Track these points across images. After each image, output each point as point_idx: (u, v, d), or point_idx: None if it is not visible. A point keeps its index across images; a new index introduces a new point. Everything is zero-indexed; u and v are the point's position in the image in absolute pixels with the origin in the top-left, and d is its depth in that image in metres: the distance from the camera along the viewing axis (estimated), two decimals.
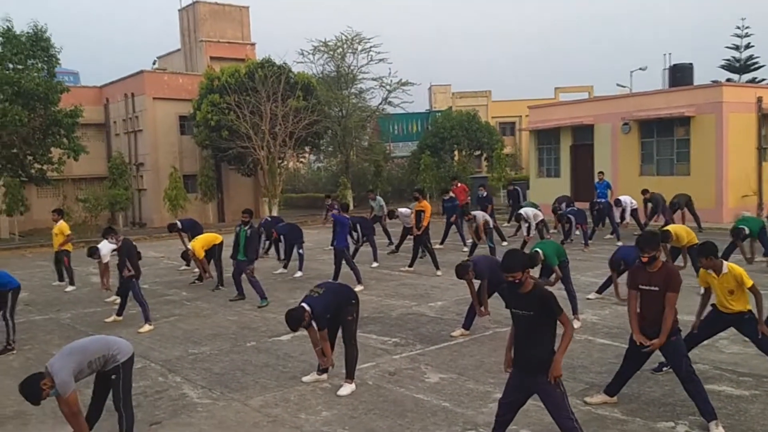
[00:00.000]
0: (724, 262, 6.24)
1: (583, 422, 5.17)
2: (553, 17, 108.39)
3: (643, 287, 5.67)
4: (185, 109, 29.15)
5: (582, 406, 6.03)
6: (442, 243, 17.01)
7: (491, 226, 15.19)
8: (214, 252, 12.88)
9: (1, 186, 23.57)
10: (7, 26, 21.67)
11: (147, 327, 9.64)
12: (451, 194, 18.07)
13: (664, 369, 6.61)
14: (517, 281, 4.72)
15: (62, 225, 13.84)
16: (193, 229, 15.11)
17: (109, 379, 5.35)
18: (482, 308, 8.44)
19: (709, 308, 6.50)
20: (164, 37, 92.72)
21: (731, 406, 5.93)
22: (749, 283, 6.16)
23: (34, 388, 4.97)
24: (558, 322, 4.78)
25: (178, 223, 15.26)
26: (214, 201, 29.32)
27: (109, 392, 5.44)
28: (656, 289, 5.58)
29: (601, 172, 20.45)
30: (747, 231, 11.70)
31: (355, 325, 6.83)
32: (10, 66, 21.58)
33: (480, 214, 14.66)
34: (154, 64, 34.01)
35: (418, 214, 14.11)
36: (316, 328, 6.54)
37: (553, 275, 9.02)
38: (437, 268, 13.46)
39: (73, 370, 5.08)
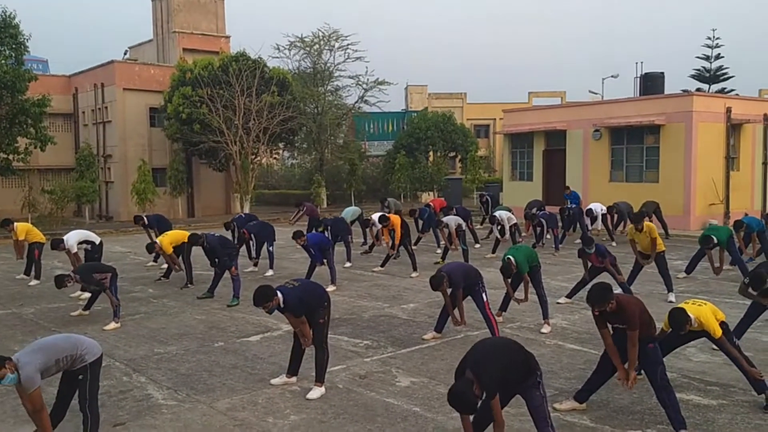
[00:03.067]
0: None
1: None
2: (527, 23, 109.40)
3: (611, 325, 5.86)
4: (156, 101, 28.63)
5: (551, 413, 6.02)
6: (415, 244, 16.97)
7: (463, 229, 15.20)
8: (182, 249, 12.64)
9: None
10: None
11: (113, 324, 9.40)
12: (430, 209, 17.98)
13: (641, 374, 6.63)
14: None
15: (20, 228, 13.11)
16: (159, 224, 14.86)
17: (76, 379, 5.23)
18: (459, 318, 8.39)
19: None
20: (136, 27, 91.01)
21: (699, 416, 5.99)
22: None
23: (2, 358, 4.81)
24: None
25: (144, 218, 14.98)
26: (183, 195, 28.84)
27: (75, 392, 5.31)
28: (623, 326, 5.75)
29: (567, 187, 20.73)
30: (715, 240, 11.88)
31: (326, 328, 6.73)
32: None
33: (452, 219, 14.66)
34: (125, 54, 33.35)
35: (390, 232, 13.94)
36: (292, 315, 6.39)
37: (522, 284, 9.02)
38: (414, 269, 13.41)
39: (39, 367, 4.92)
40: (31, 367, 4.86)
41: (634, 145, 22.04)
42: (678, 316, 5.96)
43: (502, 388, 4.68)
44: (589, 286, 6.78)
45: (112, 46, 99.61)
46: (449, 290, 8.26)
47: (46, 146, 23.14)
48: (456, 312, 8.34)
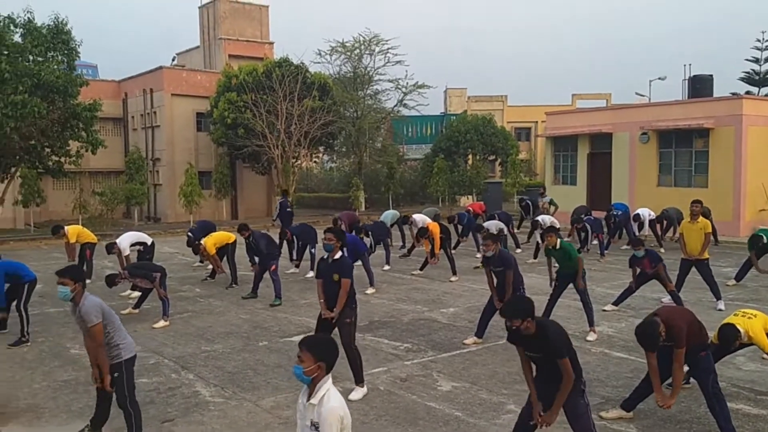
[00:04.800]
0: None
1: None
2: (572, 24, 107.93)
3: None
4: (202, 106, 29.29)
5: (597, 421, 5.93)
6: (454, 249, 16.93)
7: (505, 233, 15.11)
8: (227, 250, 12.90)
9: (18, 177, 23.75)
10: (29, 18, 21.84)
11: (162, 322, 9.68)
12: (468, 214, 17.86)
13: (689, 383, 6.49)
14: (514, 328, 4.64)
15: (71, 232, 13.46)
16: (204, 233, 15.12)
17: (112, 376, 5.36)
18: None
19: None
20: (184, 33, 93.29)
21: (749, 425, 5.84)
22: None
23: (77, 271, 5.43)
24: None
25: (189, 235, 14.97)
26: (227, 198, 29.41)
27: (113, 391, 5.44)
28: (670, 343, 5.51)
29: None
30: (765, 239, 11.54)
31: (354, 328, 6.77)
32: (30, 58, 21.72)
33: (493, 224, 14.58)
34: (173, 60, 34.23)
35: (429, 239, 13.77)
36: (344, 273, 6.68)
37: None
38: (454, 273, 13.38)
39: (99, 310, 5.30)
40: (93, 304, 5.28)
41: (682, 148, 21.54)
42: (727, 332, 5.83)
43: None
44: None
45: (160, 53, 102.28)
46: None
47: (97, 149, 23.81)
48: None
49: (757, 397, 6.53)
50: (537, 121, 42.75)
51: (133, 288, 10.41)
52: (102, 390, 5.51)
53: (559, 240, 9.11)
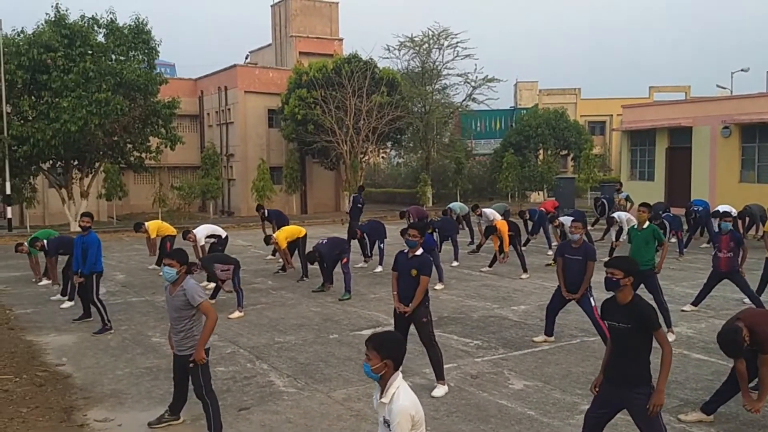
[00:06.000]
0: None
1: None
2: (649, 14, 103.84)
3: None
4: (274, 103, 29.97)
5: (675, 423, 5.75)
6: (524, 245, 16.66)
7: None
8: (298, 244, 13.16)
9: (101, 172, 24.99)
10: (111, 18, 22.88)
11: (237, 313, 9.99)
12: (540, 209, 17.49)
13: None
14: (614, 279, 4.58)
15: (151, 227, 13.96)
16: (278, 218, 15.52)
17: (187, 365, 5.52)
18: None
19: None
20: (256, 32, 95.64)
21: None
22: None
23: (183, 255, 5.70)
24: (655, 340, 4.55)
25: (265, 210, 15.67)
26: (297, 193, 30.00)
27: (189, 378, 5.62)
28: (756, 348, 5.35)
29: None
30: None
31: (431, 326, 6.76)
32: (113, 57, 22.78)
33: (567, 219, 14.23)
34: (246, 58, 35.16)
35: (498, 236, 13.52)
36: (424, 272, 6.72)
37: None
38: (525, 270, 13.19)
39: (201, 290, 5.63)
40: (195, 284, 5.61)
41: (767, 143, 20.38)
42: None
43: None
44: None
45: (234, 51, 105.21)
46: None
47: (176, 145, 24.77)
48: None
49: None
50: (612, 115, 41.43)
51: (209, 279, 10.78)
52: (180, 377, 5.73)
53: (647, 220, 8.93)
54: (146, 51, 23.55)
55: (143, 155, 24.57)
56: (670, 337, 8.35)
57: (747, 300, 9.64)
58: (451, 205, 17.35)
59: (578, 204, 26.93)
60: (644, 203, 9.44)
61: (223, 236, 13.28)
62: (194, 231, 12.83)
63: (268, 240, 13.39)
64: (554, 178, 31.32)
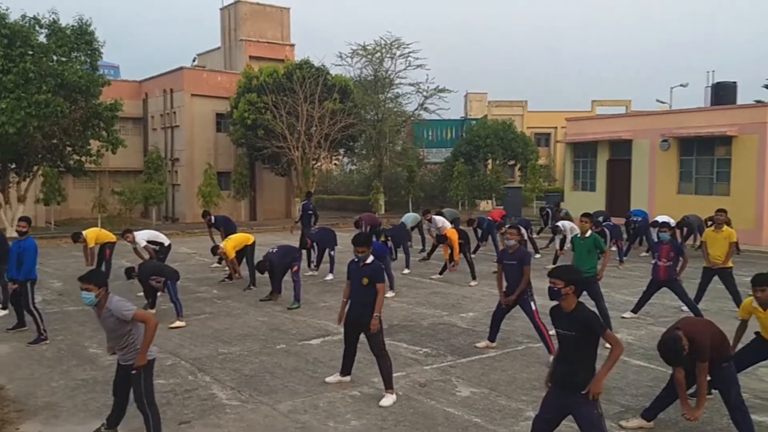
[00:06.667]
0: None
1: None
2: (592, 30, 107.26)
3: None
4: (222, 107, 29.49)
5: (617, 430, 5.86)
6: (474, 253, 16.85)
7: (525, 238, 14.95)
8: (246, 252, 12.92)
9: (39, 175, 24.05)
10: (53, 19, 22.14)
11: (178, 323, 9.71)
12: (488, 217, 17.75)
13: (711, 394, 6.35)
14: (556, 288, 4.67)
15: (90, 236, 13.25)
16: (225, 225, 15.22)
17: (129, 374, 5.35)
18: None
19: (752, 335, 6.28)
20: (205, 35, 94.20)
21: None
22: None
23: (100, 276, 5.46)
24: (603, 341, 4.65)
25: (212, 216, 15.36)
26: (246, 199, 29.55)
27: (130, 389, 5.44)
28: (693, 356, 5.46)
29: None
30: None
31: (382, 335, 6.74)
32: (54, 58, 22.02)
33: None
34: (193, 61, 34.54)
35: (448, 245, 13.61)
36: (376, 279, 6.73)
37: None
38: (474, 278, 13.33)
39: (127, 304, 5.38)
40: (120, 300, 5.34)
41: (704, 156, 21.27)
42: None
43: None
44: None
45: (181, 54, 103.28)
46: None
47: (117, 149, 24.07)
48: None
49: None
50: (556, 127, 42.51)
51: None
52: (120, 389, 5.53)
53: (590, 230, 9.20)
54: (89, 52, 22.86)
55: (83, 159, 23.81)
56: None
57: (685, 308, 9.97)
58: (403, 219, 17.33)
59: (525, 213, 27.47)
60: (586, 213, 9.68)
61: (166, 244, 12.92)
62: (135, 233, 12.45)
63: (215, 250, 13.09)
64: (502, 188, 31.92)
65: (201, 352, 8.39)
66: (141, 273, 10.14)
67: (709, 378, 5.77)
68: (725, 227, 10.46)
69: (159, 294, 10.50)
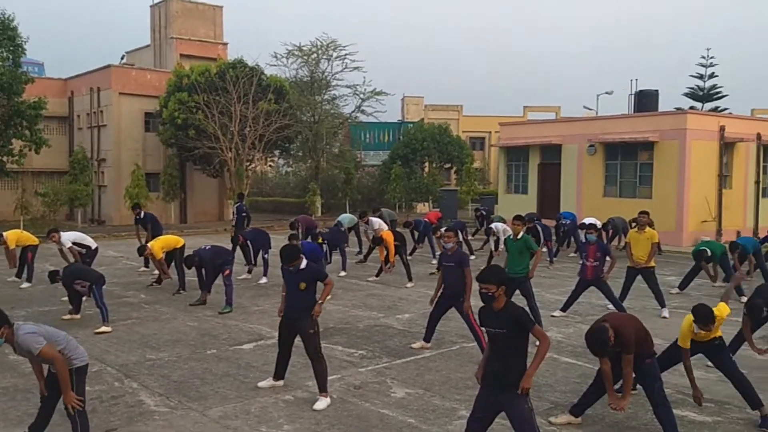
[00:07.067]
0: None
1: None
2: (524, 36, 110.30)
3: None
4: (152, 106, 28.56)
5: (546, 426, 6.00)
6: (410, 255, 16.95)
7: (460, 239, 15.21)
8: (175, 255, 12.55)
9: None
10: None
11: (104, 328, 9.34)
12: (425, 219, 17.92)
13: (635, 390, 6.58)
14: (489, 294, 4.73)
15: (10, 238, 12.79)
16: (153, 224, 14.83)
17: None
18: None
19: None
20: (134, 32, 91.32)
21: None
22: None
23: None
24: (533, 336, 4.75)
25: (141, 210, 14.97)
26: (176, 201, 28.72)
27: (59, 397, 5.22)
28: (619, 349, 5.61)
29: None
30: (709, 253, 11.93)
31: (318, 338, 6.68)
32: None
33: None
34: (122, 59, 33.35)
35: (384, 247, 13.64)
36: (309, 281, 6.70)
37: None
38: (410, 279, 13.40)
39: (38, 336, 5.01)
40: (27, 332, 4.97)
41: (628, 161, 22.14)
42: (707, 310, 5.94)
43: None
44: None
45: (110, 51, 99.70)
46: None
47: (41, 149, 23.03)
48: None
49: (703, 405, 6.67)
50: (491, 132, 43.40)
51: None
52: (50, 396, 5.28)
53: (522, 231, 9.43)
54: (11, 48, 21.83)
55: (5, 159, 22.66)
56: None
57: (611, 306, 10.34)
58: (339, 219, 17.29)
59: (460, 215, 27.87)
60: (518, 216, 9.92)
61: (93, 247, 12.41)
62: (61, 233, 11.90)
63: (142, 251, 12.65)
64: (438, 190, 32.34)
65: (128, 358, 8.10)
66: (65, 277, 9.71)
67: (633, 375, 6.01)
68: (648, 228, 10.91)
69: (84, 299, 10.09)
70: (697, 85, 41.65)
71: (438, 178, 35.19)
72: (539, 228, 16.36)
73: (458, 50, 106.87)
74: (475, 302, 7.53)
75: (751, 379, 6.47)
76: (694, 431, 6.00)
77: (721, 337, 6.32)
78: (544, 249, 16.58)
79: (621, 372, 5.70)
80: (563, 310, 10.54)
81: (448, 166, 37.77)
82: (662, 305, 10.71)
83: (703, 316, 5.95)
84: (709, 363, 6.75)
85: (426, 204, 34.52)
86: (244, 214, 16.97)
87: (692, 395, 6.21)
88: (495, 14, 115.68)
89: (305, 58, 33.27)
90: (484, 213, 21.51)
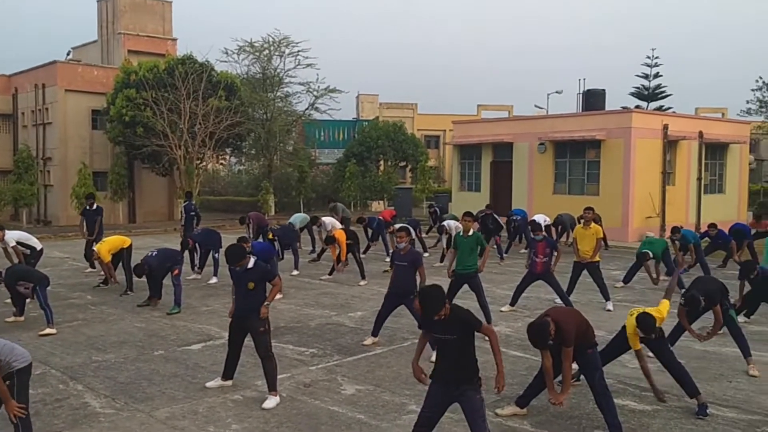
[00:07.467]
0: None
1: None
2: (476, 39, 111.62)
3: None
4: (99, 103, 27.82)
5: (493, 418, 6.11)
6: (364, 253, 16.98)
7: (413, 237, 15.30)
8: (122, 256, 12.29)
9: None
10: None
11: (48, 330, 9.10)
12: (379, 217, 17.99)
13: (579, 381, 6.78)
14: (443, 317, 4.75)
15: None
16: (101, 220, 14.63)
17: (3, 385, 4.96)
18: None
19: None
20: (81, 28, 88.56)
21: (634, 421, 6.18)
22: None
23: None
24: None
25: (94, 201, 14.79)
26: (125, 200, 28.06)
27: (1, 404, 5.05)
28: (559, 342, 5.78)
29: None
30: (651, 255, 12.35)
31: (269, 336, 6.66)
32: None
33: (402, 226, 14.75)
34: (68, 54, 32.36)
35: (337, 246, 13.63)
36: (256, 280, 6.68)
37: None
38: (363, 277, 13.42)
39: None
40: None
41: (576, 159, 22.66)
42: (649, 321, 6.19)
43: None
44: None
45: (56, 47, 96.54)
46: None
47: None
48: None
49: (642, 394, 6.92)
50: (445, 130, 43.78)
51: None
52: None
53: (472, 228, 9.56)
54: None
55: None
56: None
57: (558, 300, 10.60)
58: (291, 220, 17.19)
59: (415, 213, 28.07)
60: (468, 212, 10.06)
61: (38, 248, 12.01)
62: (6, 231, 11.48)
63: (89, 255, 12.36)
64: (393, 188, 32.45)
65: (73, 360, 7.92)
66: (7, 278, 9.40)
67: (577, 367, 6.19)
68: (593, 224, 11.22)
69: (28, 300, 9.79)
70: (643, 85, 42.82)
71: (393, 176, 35.30)
72: (495, 216, 16.63)
73: (414, 48, 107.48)
74: None
75: (689, 369, 6.75)
76: (634, 419, 6.21)
77: (660, 328, 6.56)
78: (495, 246, 16.86)
79: (562, 364, 5.86)
80: (511, 304, 10.76)
81: (403, 164, 37.92)
82: (607, 298, 11.04)
83: (647, 326, 6.23)
84: (650, 354, 6.99)
85: (381, 202, 34.60)
86: (192, 214, 16.68)
87: (654, 395, 6.56)
88: (449, 13, 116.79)
89: (257, 54, 32.89)
90: (438, 210, 21.75)
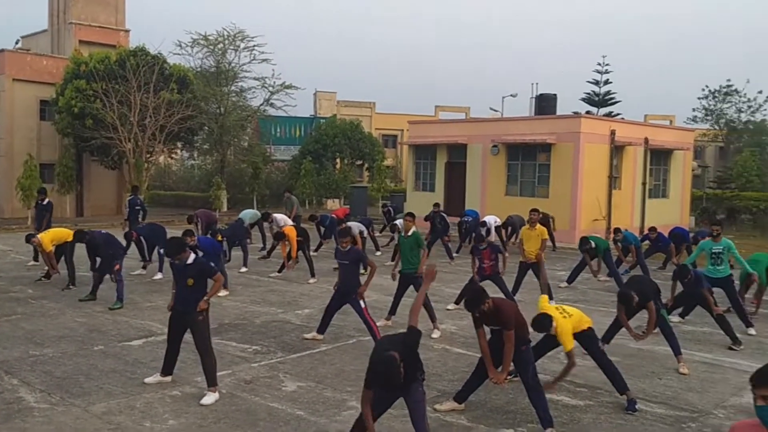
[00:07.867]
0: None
1: (432, 429, 5.40)
2: (438, 40, 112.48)
3: (489, 327, 6.16)
4: (47, 94, 27.01)
5: (432, 413, 6.22)
6: (316, 251, 16.99)
7: (365, 236, 15.42)
8: (65, 248, 12.01)
9: None
10: None
11: None
12: (332, 215, 18.06)
13: (511, 377, 6.95)
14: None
15: None
16: (51, 215, 14.31)
17: None
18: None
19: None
20: (31, 16, 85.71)
21: (566, 415, 6.39)
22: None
23: None
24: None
25: (46, 196, 14.64)
26: (72, 193, 27.31)
27: None
28: (499, 327, 6.06)
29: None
30: (593, 244, 12.76)
31: (207, 328, 6.63)
32: None
33: (355, 225, 14.82)
34: (17, 43, 31.30)
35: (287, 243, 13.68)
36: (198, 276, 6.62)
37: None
38: (312, 275, 13.42)
39: None
40: None
41: (528, 161, 23.10)
42: (544, 320, 6.31)
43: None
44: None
45: (4, 36, 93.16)
46: None
47: None
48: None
49: (576, 389, 7.15)
50: (403, 129, 43.99)
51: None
52: None
53: (413, 228, 9.66)
54: None
55: None
56: (435, 334, 9.10)
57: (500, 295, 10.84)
58: (241, 216, 17.05)
59: (370, 212, 28.13)
60: (410, 213, 10.24)
61: None
62: None
63: (29, 238, 12.06)
64: (349, 187, 32.45)
65: (10, 354, 7.74)
66: None
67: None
68: (538, 225, 11.51)
69: None
70: (593, 91, 43.83)
71: (349, 175, 35.30)
72: (443, 215, 16.84)
73: (374, 47, 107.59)
74: (377, 296, 7.77)
75: (623, 366, 7.01)
76: (566, 414, 6.42)
77: (591, 327, 6.79)
78: (442, 247, 17.04)
79: (502, 351, 6.01)
80: (457, 302, 10.93)
81: (359, 162, 37.95)
82: (550, 298, 11.29)
83: (540, 324, 6.35)
84: (584, 351, 7.22)
85: (336, 200, 34.56)
86: (138, 208, 16.40)
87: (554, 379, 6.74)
88: (407, 14, 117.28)
89: (211, 47, 32.44)
90: (392, 210, 21.87)
